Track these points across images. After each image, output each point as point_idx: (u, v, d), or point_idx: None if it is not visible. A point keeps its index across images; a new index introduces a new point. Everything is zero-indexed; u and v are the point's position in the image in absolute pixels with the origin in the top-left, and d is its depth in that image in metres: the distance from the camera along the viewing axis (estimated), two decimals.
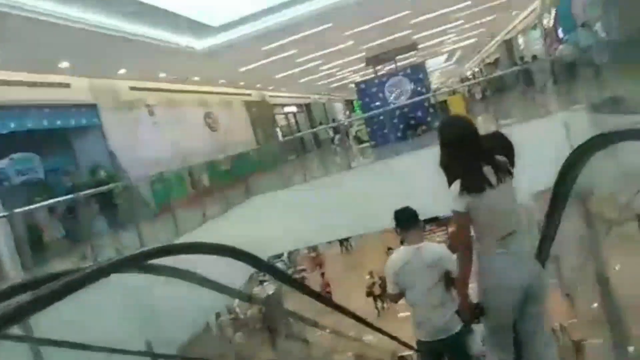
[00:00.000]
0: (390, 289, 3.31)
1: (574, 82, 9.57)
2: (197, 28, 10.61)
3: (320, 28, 12.66)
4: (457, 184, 2.27)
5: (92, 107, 11.42)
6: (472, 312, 2.46)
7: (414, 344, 3.71)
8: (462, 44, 28.37)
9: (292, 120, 28.00)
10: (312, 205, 9.54)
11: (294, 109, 28.51)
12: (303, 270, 19.28)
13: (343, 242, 20.53)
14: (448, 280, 3.13)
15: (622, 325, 2.48)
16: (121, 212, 8.54)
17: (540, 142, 8.36)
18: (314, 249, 19.36)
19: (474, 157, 2.28)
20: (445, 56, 34.35)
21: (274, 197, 10.21)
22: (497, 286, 2.33)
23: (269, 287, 17.97)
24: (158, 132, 13.28)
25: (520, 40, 24.85)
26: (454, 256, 2.64)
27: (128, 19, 8.83)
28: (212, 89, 16.97)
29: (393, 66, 15.82)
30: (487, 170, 2.27)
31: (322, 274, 18.95)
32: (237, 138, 17.27)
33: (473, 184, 2.24)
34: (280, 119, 26.09)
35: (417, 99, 14.03)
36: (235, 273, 9.27)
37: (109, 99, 11.75)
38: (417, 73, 14.58)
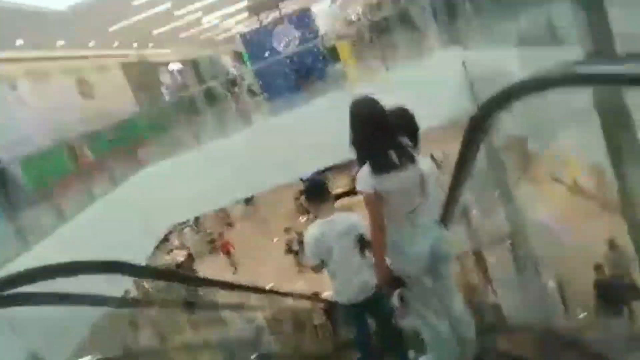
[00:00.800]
0: (311, 261, 3.42)
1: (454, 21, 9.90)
2: None
3: None
4: (366, 166, 2.40)
5: None
6: (391, 284, 2.69)
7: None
8: None
9: (179, 79, 26.40)
10: (209, 169, 9.14)
11: (178, 66, 26.82)
12: (219, 234, 18.87)
13: (247, 202, 20.22)
14: (362, 245, 3.26)
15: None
16: None
17: (426, 80, 8.70)
18: (222, 210, 18.93)
19: (380, 140, 2.38)
20: (329, 1, 34.08)
21: (167, 165, 9.62)
22: (404, 258, 2.56)
23: (179, 254, 17.56)
24: (24, 107, 11.76)
25: None
26: (366, 220, 2.71)
27: None
28: (82, 52, 15.26)
29: (277, 14, 15.25)
30: (392, 153, 2.38)
31: (220, 234, 18.71)
32: (117, 104, 15.88)
33: (380, 166, 2.36)
34: (166, 79, 24.48)
35: (304, 47, 13.76)
36: (142, 243, 8.79)
37: None
38: (303, 19, 14.21)
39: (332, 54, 14.37)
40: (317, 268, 3.41)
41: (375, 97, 2.49)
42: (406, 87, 8.65)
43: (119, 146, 11.29)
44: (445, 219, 2.72)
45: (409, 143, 2.48)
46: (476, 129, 1.70)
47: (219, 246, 17.91)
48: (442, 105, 8.49)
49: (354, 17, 42.70)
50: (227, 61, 37.66)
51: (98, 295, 2.17)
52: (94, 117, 14.14)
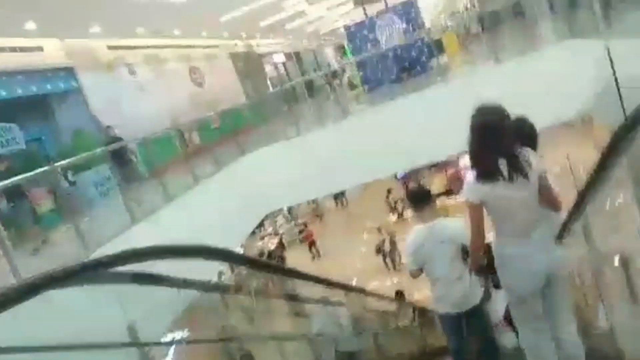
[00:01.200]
0: (410, 266, 3.43)
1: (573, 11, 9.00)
2: None
3: None
4: (472, 173, 2.33)
5: (69, 71, 10.84)
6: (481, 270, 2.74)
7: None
8: None
9: (282, 71, 27.11)
10: (308, 158, 9.24)
11: (282, 58, 27.54)
12: (304, 224, 19.23)
13: (337, 197, 20.19)
14: (465, 254, 3.18)
15: None
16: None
17: (537, 75, 7.97)
18: (313, 201, 19.21)
19: (490, 148, 2.26)
20: None
21: (267, 152, 9.89)
22: (516, 275, 2.41)
23: (271, 241, 18.11)
24: (141, 91, 12.73)
25: None
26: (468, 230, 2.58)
27: None
28: (195, 42, 16.18)
29: (382, 5, 14.98)
30: (502, 162, 2.25)
31: (305, 225, 18.91)
32: (225, 93, 16.66)
33: (485, 175, 2.27)
34: (270, 70, 25.25)
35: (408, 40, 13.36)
36: (239, 228, 9.13)
37: (86, 61, 11.12)
38: (409, 10, 13.79)
39: (438, 46, 13.83)
40: (416, 274, 3.39)
41: (500, 104, 2.33)
42: (515, 83, 8.10)
43: (225, 133, 11.78)
44: (563, 236, 2.47)
45: (527, 157, 2.30)
46: (621, 140, 1.38)
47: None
48: (554, 103, 7.81)
49: (461, 8, 40.97)
50: (330, 54, 38.07)
51: (191, 280, 2.19)
52: (203, 104, 14.97)
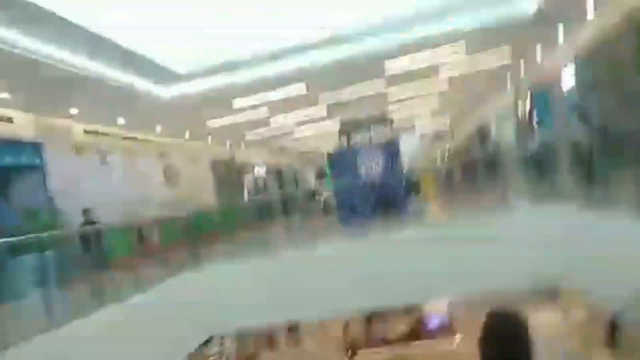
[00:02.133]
0: None
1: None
2: (162, 73, 9.89)
3: (294, 88, 12.23)
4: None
5: (36, 146, 10.32)
6: None
7: None
8: (435, 126, 28.81)
9: (261, 184, 27.13)
10: (266, 282, 8.49)
11: (263, 171, 27.75)
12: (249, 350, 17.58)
13: (290, 329, 18.78)
14: None
15: None
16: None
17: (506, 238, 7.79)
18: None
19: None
20: (418, 136, 34.86)
21: (227, 268, 9.11)
22: None
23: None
24: (108, 180, 12.15)
25: (493, 127, 25.24)
26: None
27: (83, 55, 8.03)
28: (176, 141, 16.06)
29: (367, 139, 15.36)
30: None
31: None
32: (198, 196, 16.19)
33: None
34: (249, 182, 25.21)
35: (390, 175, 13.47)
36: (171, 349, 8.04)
37: (58, 140, 10.67)
38: (392, 148, 14.08)
39: (415, 189, 13.96)
40: None
41: (517, 314, 1.87)
42: (489, 242, 7.90)
43: (188, 238, 11.11)
44: None
45: None
46: None
47: None
48: (521, 269, 7.58)
49: (438, 156, 43.26)
50: (311, 176, 38.84)
51: None
52: (173, 203, 14.39)
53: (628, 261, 5.33)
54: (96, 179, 11.68)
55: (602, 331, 12.74)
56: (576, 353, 12.10)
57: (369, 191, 13.24)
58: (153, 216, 12.71)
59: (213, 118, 13.94)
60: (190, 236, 10.94)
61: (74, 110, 10.20)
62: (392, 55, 10.82)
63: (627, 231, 5.40)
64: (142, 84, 10.05)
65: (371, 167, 13.82)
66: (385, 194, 13.26)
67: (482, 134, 27.46)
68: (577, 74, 12.14)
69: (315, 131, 21.85)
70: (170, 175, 15.04)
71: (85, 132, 11.60)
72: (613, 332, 12.76)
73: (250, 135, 18.43)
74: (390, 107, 18.12)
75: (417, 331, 16.63)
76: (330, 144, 24.01)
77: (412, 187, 13.99)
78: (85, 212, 9.64)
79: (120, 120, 12.03)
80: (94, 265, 7.59)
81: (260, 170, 26.90)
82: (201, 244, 9.88)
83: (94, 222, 9.38)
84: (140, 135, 13.78)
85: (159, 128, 13.91)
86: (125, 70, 9.32)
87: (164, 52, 9.21)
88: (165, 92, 10.60)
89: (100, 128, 12.03)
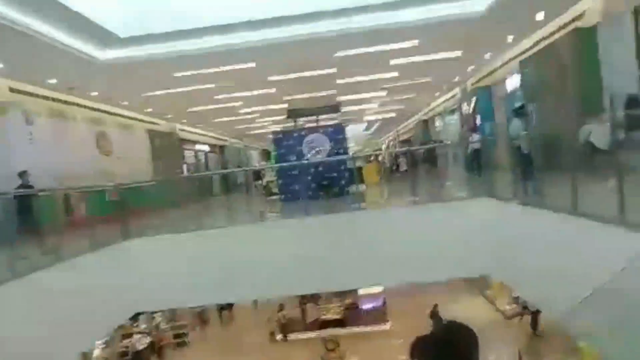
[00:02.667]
0: None
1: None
2: (102, 35, 9.20)
3: (243, 66, 11.82)
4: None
5: None
6: None
7: None
8: (382, 115, 29.15)
9: (202, 160, 26.38)
10: (206, 258, 8.20)
11: (206, 147, 26.98)
12: (184, 326, 17.23)
13: (223, 308, 18.56)
14: None
15: None
16: None
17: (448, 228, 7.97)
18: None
19: None
20: (364, 125, 35.18)
21: (159, 242, 8.71)
22: None
23: (141, 341, 15.83)
24: (33, 144, 11.28)
25: (437, 122, 25.87)
26: None
27: (15, 6, 7.31)
28: (111, 108, 15.17)
29: (314, 123, 15.22)
30: None
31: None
32: (133, 166, 15.43)
33: None
34: (190, 157, 24.42)
35: (334, 158, 13.45)
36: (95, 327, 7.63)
37: None
38: (338, 133, 14.03)
39: (357, 174, 14.03)
40: None
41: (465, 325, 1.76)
42: (427, 229, 8.02)
43: (118, 210, 10.52)
44: None
45: None
46: None
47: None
48: (463, 258, 7.78)
49: (383, 147, 43.93)
50: (255, 156, 38.27)
51: None
52: (106, 173, 13.63)
53: (554, 254, 5.57)
54: (20, 141, 10.82)
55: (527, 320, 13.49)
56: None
57: (313, 174, 13.18)
58: (82, 186, 12.03)
59: (154, 89, 13.27)
60: (120, 210, 10.43)
61: None
62: (344, 41, 10.68)
63: (556, 226, 5.62)
64: (78, 45, 9.31)
65: (317, 151, 13.73)
66: (329, 178, 13.25)
67: (426, 126, 28.15)
68: (522, 75, 12.58)
69: (262, 113, 21.49)
70: (103, 144, 14.22)
71: (11, 89, 10.68)
72: (536, 321, 13.57)
73: (192, 109, 17.79)
74: (338, 92, 18.04)
75: (350, 316, 16.96)
76: (276, 126, 23.76)
77: (355, 173, 14.05)
78: (22, 175, 9.04)
79: (52, 81, 11.15)
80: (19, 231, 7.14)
81: (202, 147, 26.13)
82: (131, 218, 9.44)
83: (30, 186, 8.89)
84: (72, 99, 12.87)
85: (94, 92, 13.05)
86: (60, 28, 8.58)
87: (106, 12, 8.55)
88: (104, 55, 9.89)
89: (28, 87, 11.10)
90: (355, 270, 8.21)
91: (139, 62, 10.16)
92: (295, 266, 7.97)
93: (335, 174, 13.51)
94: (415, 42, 11.65)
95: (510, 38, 12.66)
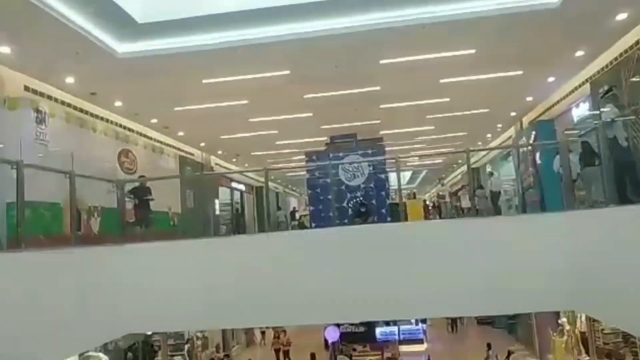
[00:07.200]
0: None
1: None
2: (122, 20, 8.30)
3: (276, 74, 10.81)
4: None
5: None
6: None
7: None
8: (427, 162, 27.61)
9: (237, 198, 25.19)
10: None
11: (242, 187, 25.85)
12: None
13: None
14: None
15: None
16: None
17: None
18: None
19: None
20: (409, 173, 33.60)
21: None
22: None
23: None
24: (43, 145, 10.31)
25: (489, 169, 23.89)
26: None
27: None
28: (137, 126, 14.37)
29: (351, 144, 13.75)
30: None
31: None
32: (160, 192, 14.29)
33: None
34: (223, 193, 23.28)
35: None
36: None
37: None
38: (378, 155, 12.55)
39: (400, 210, 12.42)
40: None
41: None
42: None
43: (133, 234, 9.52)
44: None
45: None
46: None
47: None
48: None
49: (427, 202, 41.91)
50: (293, 202, 37.02)
51: None
52: None
53: None
54: (28, 141, 9.86)
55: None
56: None
57: (349, 200, 11.69)
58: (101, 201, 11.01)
59: (182, 99, 12.33)
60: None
61: (5, 49, 8.48)
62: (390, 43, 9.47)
63: None
64: (97, 32, 8.49)
65: (353, 174, 12.20)
66: (366, 205, 11.66)
67: (476, 176, 26.02)
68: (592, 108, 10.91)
69: (299, 145, 20.27)
70: (126, 162, 13.20)
71: (26, 89, 9.91)
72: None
73: (226, 136, 16.95)
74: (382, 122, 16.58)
75: None
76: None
77: (397, 208, 12.46)
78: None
79: (69, 81, 10.31)
80: None
81: (237, 185, 24.99)
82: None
83: None
84: (94, 109, 12.08)
85: (118, 103, 12.23)
86: (77, 10, 7.79)
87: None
88: (122, 48, 9.05)
89: (43, 86, 10.26)
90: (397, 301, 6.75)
91: (160, 58, 9.25)
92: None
93: (374, 202, 11.94)
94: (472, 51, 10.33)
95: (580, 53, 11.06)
